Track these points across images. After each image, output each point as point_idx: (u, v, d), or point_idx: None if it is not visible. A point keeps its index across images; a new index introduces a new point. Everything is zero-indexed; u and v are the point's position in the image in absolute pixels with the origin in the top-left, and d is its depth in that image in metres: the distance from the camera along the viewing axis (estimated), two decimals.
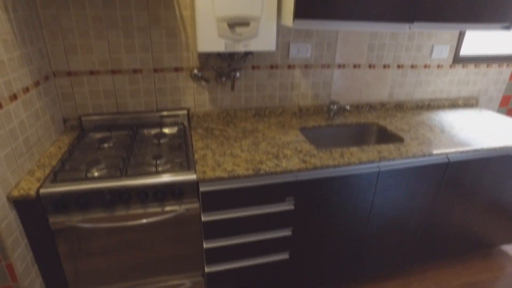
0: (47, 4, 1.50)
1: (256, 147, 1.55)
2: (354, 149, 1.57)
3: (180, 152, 1.50)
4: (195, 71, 1.76)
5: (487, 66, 2.38)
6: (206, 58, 1.75)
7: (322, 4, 1.44)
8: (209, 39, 1.50)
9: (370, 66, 2.05)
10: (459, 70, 2.30)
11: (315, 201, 1.50)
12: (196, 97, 1.83)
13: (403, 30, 1.63)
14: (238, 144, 1.58)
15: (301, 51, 1.88)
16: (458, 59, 2.27)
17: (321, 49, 1.91)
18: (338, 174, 1.47)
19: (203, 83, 1.81)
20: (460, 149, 1.65)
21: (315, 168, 1.40)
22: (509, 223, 2.12)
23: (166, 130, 1.74)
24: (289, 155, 1.48)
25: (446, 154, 1.63)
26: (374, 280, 2.00)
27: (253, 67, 1.83)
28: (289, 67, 1.90)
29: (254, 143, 1.60)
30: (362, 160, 1.47)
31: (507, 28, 1.82)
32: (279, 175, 1.39)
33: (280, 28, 1.79)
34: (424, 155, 1.58)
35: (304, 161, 1.43)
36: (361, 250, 1.76)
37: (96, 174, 1.32)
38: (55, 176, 1.27)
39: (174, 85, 1.77)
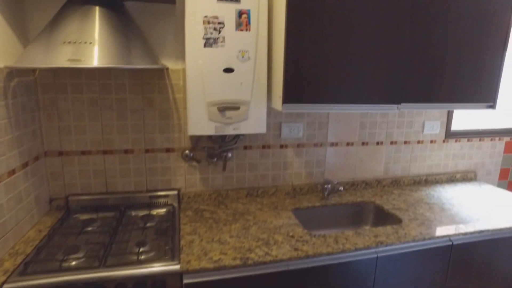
0: (47, 89, 1.56)
1: (246, 232, 1.47)
2: (349, 233, 1.49)
3: (166, 237, 1.43)
4: (187, 151, 1.76)
5: (480, 140, 2.39)
6: (197, 139, 1.76)
7: (310, 90, 1.49)
8: (200, 123, 1.53)
9: (363, 143, 2.05)
10: (453, 144, 2.30)
11: None
12: (187, 177, 1.80)
13: (391, 111, 1.66)
14: (227, 228, 1.51)
15: (293, 131, 1.90)
16: (450, 134, 2.28)
17: (313, 128, 1.93)
18: (332, 261, 1.37)
19: (194, 163, 1.79)
20: (463, 230, 1.57)
21: (308, 256, 1.31)
22: None
23: (155, 212, 1.68)
24: (280, 242, 1.40)
25: (449, 236, 1.54)
26: None
27: (245, 147, 1.84)
28: (281, 146, 1.90)
29: (244, 227, 1.52)
30: (358, 246, 1.38)
31: (491, 107, 1.86)
32: (268, 265, 1.29)
33: (271, 109, 1.83)
34: (424, 239, 1.49)
35: (296, 249, 1.34)
36: None
37: (73, 263, 1.24)
38: (26, 267, 1.19)
39: (165, 165, 1.76)
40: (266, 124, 1.83)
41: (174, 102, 1.71)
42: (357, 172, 2.08)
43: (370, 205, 1.90)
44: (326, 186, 1.88)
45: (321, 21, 1.43)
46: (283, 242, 1.39)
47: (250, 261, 1.25)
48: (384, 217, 1.79)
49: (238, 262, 1.24)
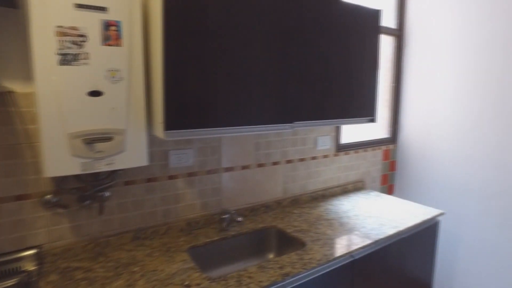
0: None
1: None
2: (253, 270, 1.33)
3: None
4: (48, 196, 1.39)
5: (364, 151, 2.56)
6: (61, 180, 1.41)
7: (197, 114, 1.31)
8: (60, 160, 1.20)
9: (259, 165, 1.96)
10: (343, 157, 2.40)
11: None
12: (50, 229, 1.42)
13: (285, 130, 1.59)
14: None
15: (182, 159, 1.69)
16: (340, 147, 2.37)
17: (205, 154, 1.76)
18: None
19: (60, 210, 1.42)
20: (361, 244, 1.57)
21: None
22: None
23: None
24: None
25: (350, 253, 1.51)
26: None
27: (126, 183, 1.55)
28: (170, 177, 1.67)
29: (128, 283, 1.23)
30: (264, 285, 1.23)
31: (371, 120, 1.98)
32: None
33: (155, 137, 1.59)
34: (328, 261, 1.43)
35: None
36: None
37: None
38: None
39: (15, 218, 1.34)
40: (150, 153, 1.58)
41: (25, 135, 1.33)
42: (256, 196, 1.97)
43: (272, 231, 1.79)
44: (224, 216, 1.71)
45: (205, 39, 1.28)
46: None
47: None
48: (287, 242, 1.70)
49: None
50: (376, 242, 1.62)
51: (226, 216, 1.71)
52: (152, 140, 1.58)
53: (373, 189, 2.64)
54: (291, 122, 1.58)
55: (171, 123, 1.26)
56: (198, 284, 1.23)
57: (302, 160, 2.15)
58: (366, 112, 1.90)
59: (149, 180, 1.60)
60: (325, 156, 2.29)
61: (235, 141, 1.84)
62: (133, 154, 1.31)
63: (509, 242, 2.13)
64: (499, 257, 2.19)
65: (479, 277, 2.31)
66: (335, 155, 2.35)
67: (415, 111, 2.65)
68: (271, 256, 1.78)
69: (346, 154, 2.42)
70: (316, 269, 1.41)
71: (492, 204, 2.20)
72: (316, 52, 1.62)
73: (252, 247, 1.75)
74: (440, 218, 2.06)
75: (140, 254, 1.46)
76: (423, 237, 1.93)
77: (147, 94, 1.36)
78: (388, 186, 2.83)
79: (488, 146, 2.20)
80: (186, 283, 1.24)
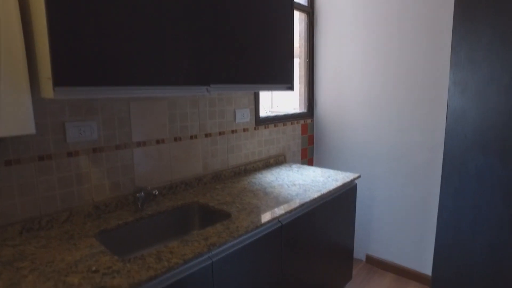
0: None
1: None
2: (174, 245, 1.18)
3: None
4: None
5: (284, 125, 2.56)
6: None
7: (96, 67, 1.10)
8: None
9: (175, 139, 1.79)
10: (263, 131, 2.36)
11: None
12: None
13: (201, 93, 1.46)
14: None
15: (84, 132, 1.43)
16: (259, 121, 2.33)
17: (112, 127, 1.53)
18: (159, 286, 1.04)
19: None
20: (288, 209, 1.53)
21: None
22: (342, 262, 2.15)
23: None
24: (77, 285, 0.95)
25: (277, 218, 1.46)
26: None
27: (7, 163, 1.25)
28: (69, 154, 1.40)
29: (11, 283, 0.97)
30: (188, 257, 1.09)
31: (289, 88, 1.97)
32: None
33: (46, 105, 1.31)
34: (257, 227, 1.35)
35: (103, 287, 0.93)
36: None
37: None
38: None
39: None
40: (41, 126, 1.30)
41: None
42: (174, 173, 1.80)
43: (194, 206, 1.65)
44: (138, 194, 1.51)
45: None
46: (81, 284, 0.95)
47: None
48: (211, 216, 1.58)
49: None
50: (302, 206, 1.61)
51: (141, 194, 1.51)
52: (42, 110, 1.30)
53: (295, 162, 2.67)
54: (207, 84, 1.45)
55: (61, 78, 1.03)
56: (109, 267, 1.03)
57: (221, 134, 2.05)
58: (284, 79, 1.87)
59: (41, 158, 1.32)
60: (245, 130, 2.21)
61: (147, 113, 1.64)
62: (12, 120, 1.05)
63: (411, 197, 2.35)
64: (404, 212, 2.40)
65: (389, 230, 2.50)
66: (255, 128, 2.29)
67: (328, 86, 2.74)
68: (194, 232, 1.64)
69: (266, 128, 2.38)
70: (244, 236, 1.32)
71: (397, 165, 2.40)
72: (231, 6, 1.52)
73: (173, 226, 1.59)
74: (357, 181, 2.15)
75: (31, 248, 1.18)
76: (343, 200, 2.00)
77: (29, 44, 1.09)
78: (308, 160, 2.90)
79: (392, 114, 2.38)
80: (94, 268, 1.03)
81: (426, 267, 2.37)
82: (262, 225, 1.37)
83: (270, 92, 3.18)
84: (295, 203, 1.59)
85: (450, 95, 0.92)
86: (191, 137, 1.87)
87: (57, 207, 1.39)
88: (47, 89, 1.06)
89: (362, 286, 2.41)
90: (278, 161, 2.49)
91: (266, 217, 1.44)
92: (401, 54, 2.27)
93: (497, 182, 0.82)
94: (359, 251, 2.73)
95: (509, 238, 0.84)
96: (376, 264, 2.65)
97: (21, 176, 1.28)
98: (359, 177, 2.12)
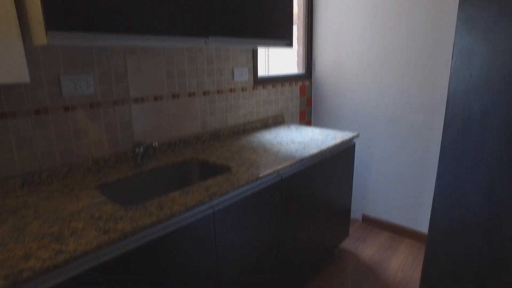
0: None
1: (21, 234, 0.95)
2: (175, 195, 1.19)
3: None
4: None
5: (282, 85, 2.53)
6: None
7: (91, 12, 1.05)
8: None
9: (173, 96, 1.76)
10: (261, 91, 2.33)
11: (139, 283, 1.02)
12: None
13: (199, 45, 1.42)
14: None
15: (80, 86, 1.40)
16: (258, 81, 2.29)
17: (109, 82, 1.49)
18: (161, 233, 1.06)
19: None
20: (288, 163, 1.54)
21: (125, 235, 0.94)
22: (339, 220, 2.20)
23: None
24: (81, 229, 0.96)
25: (278, 171, 1.47)
26: None
27: (3, 115, 1.23)
28: (66, 109, 1.38)
29: (16, 227, 0.99)
30: (189, 205, 1.11)
31: (288, 44, 1.92)
32: (65, 268, 0.85)
33: (40, 55, 1.27)
34: (257, 179, 1.36)
35: (107, 231, 0.94)
36: None
37: None
38: None
39: None
40: (37, 78, 1.27)
41: None
42: (172, 131, 1.79)
43: (193, 162, 1.66)
44: (137, 149, 1.51)
45: None
46: (85, 228, 0.96)
47: (25, 274, 0.77)
48: (211, 170, 1.59)
49: (1, 283, 0.74)
50: (302, 161, 1.61)
51: (140, 148, 1.51)
52: (36, 60, 1.26)
53: (294, 123, 2.66)
54: (205, 36, 1.41)
55: (54, 21, 0.99)
56: (111, 215, 1.04)
57: (219, 92, 2.02)
58: (283, 34, 1.82)
59: (37, 112, 1.30)
60: (243, 89, 2.18)
61: (143, 67, 1.60)
62: (3, 67, 1.01)
63: (409, 158, 2.37)
64: (402, 172, 2.43)
65: (386, 190, 2.55)
66: (254, 88, 2.26)
67: (326, 48, 2.68)
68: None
69: (264, 88, 2.35)
70: (245, 188, 1.34)
71: (396, 126, 2.40)
72: None
73: (174, 181, 1.60)
74: (355, 140, 2.16)
75: (33, 199, 1.19)
76: (342, 158, 2.01)
77: None
78: (306, 122, 2.89)
79: (392, 75, 2.35)
80: (97, 215, 1.04)
81: (421, 225, 2.43)
82: (262, 177, 1.38)
83: (266, 56, 3.11)
84: (295, 158, 1.60)
85: (457, 34, 0.90)
86: (189, 95, 1.84)
87: (56, 162, 1.38)
88: (40, 35, 1.02)
89: (358, 243, 2.48)
90: (276, 121, 2.48)
91: (266, 170, 1.44)
92: (401, 14, 2.20)
93: (501, 122, 0.81)
94: (356, 211, 2.79)
95: (510, 178, 0.85)
96: (372, 223, 2.71)
97: (18, 130, 1.27)
98: (357, 135, 2.12)
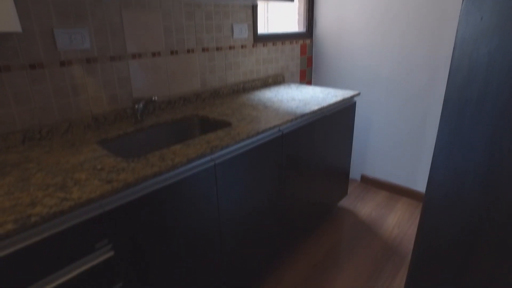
0: None
1: (25, 184, 0.96)
2: (177, 147, 1.19)
3: None
4: None
5: (282, 43, 2.46)
6: None
7: None
8: None
9: (172, 52, 1.72)
10: (261, 49, 2.27)
11: (143, 232, 1.05)
12: None
13: None
14: None
15: (75, 40, 1.36)
16: (258, 38, 2.23)
17: (105, 37, 1.45)
18: (163, 184, 1.07)
19: None
20: (289, 118, 1.53)
21: (128, 185, 0.95)
22: (338, 179, 2.23)
23: None
24: (84, 180, 0.97)
25: (278, 126, 1.47)
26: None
27: None
28: (62, 64, 1.35)
29: (21, 179, 0.99)
30: (191, 157, 1.11)
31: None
32: (71, 215, 0.86)
33: (30, 5, 1.22)
34: (258, 133, 1.36)
35: (110, 181, 0.95)
36: (221, 265, 1.42)
37: None
38: None
39: None
40: (29, 31, 1.23)
41: None
42: (171, 89, 1.76)
43: (194, 119, 1.65)
44: (137, 106, 1.49)
45: None
46: (88, 179, 0.97)
47: (34, 220, 0.79)
48: (212, 126, 1.59)
49: (11, 226, 0.76)
50: (303, 117, 1.61)
51: (139, 104, 1.49)
52: (26, 11, 1.21)
53: (294, 82, 2.62)
54: None
55: None
56: (113, 167, 1.05)
57: (219, 49, 1.97)
58: None
59: (32, 66, 1.27)
60: (243, 47, 2.13)
61: (140, 22, 1.55)
62: None
63: (409, 118, 2.36)
64: (401, 132, 2.43)
65: (385, 151, 2.56)
66: (253, 46, 2.20)
67: (329, 6, 2.58)
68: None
69: (264, 46, 2.29)
70: (246, 142, 1.34)
71: (397, 86, 2.36)
72: None
73: (174, 137, 1.60)
74: (356, 99, 2.14)
75: (35, 154, 1.19)
76: (343, 116, 2.00)
77: None
78: (306, 82, 2.85)
79: (395, 35, 2.28)
80: (99, 167, 1.05)
81: (418, 184, 2.47)
82: (263, 131, 1.38)
83: (266, 13, 3.00)
84: (296, 114, 1.59)
85: None
86: (188, 51, 1.80)
87: (56, 118, 1.37)
88: None
89: (356, 202, 2.54)
90: (276, 80, 2.44)
91: (267, 125, 1.44)
92: None
93: (508, 67, 0.80)
94: (355, 172, 2.83)
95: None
96: (370, 183, 2.75)
97: (14, 85, 1.24)
98: (358, 94, 2.09)
